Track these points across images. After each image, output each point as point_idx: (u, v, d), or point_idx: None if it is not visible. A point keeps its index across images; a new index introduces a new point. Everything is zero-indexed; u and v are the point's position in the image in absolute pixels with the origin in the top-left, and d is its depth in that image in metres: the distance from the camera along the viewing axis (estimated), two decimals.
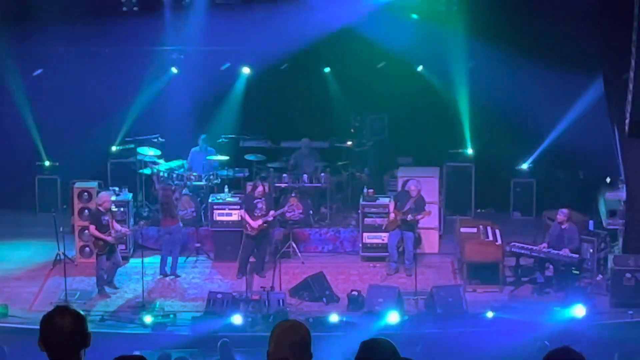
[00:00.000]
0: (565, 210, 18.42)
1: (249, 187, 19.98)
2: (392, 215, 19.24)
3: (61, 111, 22.08)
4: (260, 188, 19.22)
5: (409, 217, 19.00)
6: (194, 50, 22.39)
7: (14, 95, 21.86)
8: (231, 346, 14.88)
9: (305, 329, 5.15)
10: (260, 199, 19.15)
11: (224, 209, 20.06)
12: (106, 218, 18.45)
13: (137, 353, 5.40)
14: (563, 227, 18.30)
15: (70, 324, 4.83)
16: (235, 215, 19.86)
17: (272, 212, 19.13)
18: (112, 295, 18.52)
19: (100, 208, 18.52)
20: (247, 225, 19.14)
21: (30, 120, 22.13)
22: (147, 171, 21.36)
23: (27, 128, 22.19)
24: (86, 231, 19.13)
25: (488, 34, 21.02)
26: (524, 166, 21.98)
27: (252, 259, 19.24)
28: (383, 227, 19.61)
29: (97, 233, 18.34)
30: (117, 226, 18.75)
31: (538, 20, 20.89)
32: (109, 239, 18.33)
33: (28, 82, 21.87)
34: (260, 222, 19.02)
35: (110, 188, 20.50)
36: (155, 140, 21.59)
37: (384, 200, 20.05)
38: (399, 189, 19.88)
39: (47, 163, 22.48)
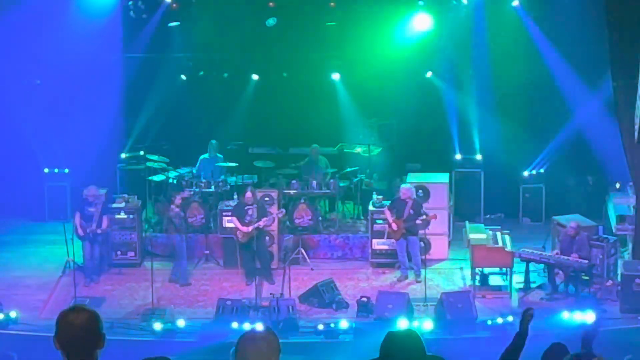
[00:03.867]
0: (574, 224, 18.39)
1: (243, 193, 19.95)
2: (394, 226, 19.21)
3: (70, 118, 22.16)
4: (249, 194, 19.18)
5: (419, 220, 18.96)
6: (203, 57, 22.47)
7: (24, 102, 21.94)
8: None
9: (274, 338, 5.00)
10: (250, 205, 19.11)
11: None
12: (91, 209, 18.95)
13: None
14: (574, 236, 18.29)
15: (85, 321, 4.85)
16: None
17: (263, 219, 19.07)
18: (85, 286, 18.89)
19: (88, 199, 19.07)
20: (237, 232, 19.13)
21: (41, 127, 22.20)
22: (156, 178, 21.41)
23: (36, 135, 22.28)
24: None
25: (496, 40, 21.07)
26: (534, 172, 21.98)
27: (258, 265, 19.23)
28: (385, 236, 19.61)
29: (77, 220, 19.06)
30: (104, 223, 19.10)
31: (548, 25, 20.88)
32: (80, 232, 18.89)
33: (36, 90, 21.93)
34: (249, 228, 18.97)
35: (119, 195, 20.56)
36: (164, 147, 21.63)
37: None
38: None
39: (55, 170, 22.53)
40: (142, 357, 5.27)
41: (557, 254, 18.31)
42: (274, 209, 19.75)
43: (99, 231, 19.01)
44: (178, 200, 19.39)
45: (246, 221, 19.04)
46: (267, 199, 20.06)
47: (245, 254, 19.29)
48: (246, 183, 21.11)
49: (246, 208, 19.12)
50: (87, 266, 19.13)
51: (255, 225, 18.97)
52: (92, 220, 18.94)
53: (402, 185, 19.63)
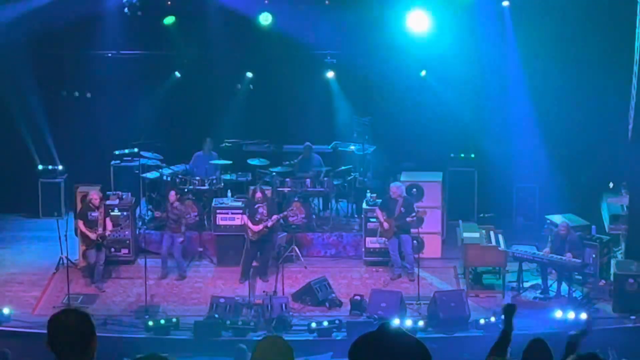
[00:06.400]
0: (564, 224, 18.43)
1: (251, 192, 20.03)
2: (385, 225, 19.23)
3: (65, 115, 22.17)
4: (258, 193, 19.22)
5: (408, 219, 18.97)
6: (198, 54, 22.44)
7: (18, 99, 21.92)
8: (247, 353, 14.74)
9: (289, 349, 5.19)
10: (261, 203, 19.16)
11: (227, 214, 20.07)
12: (94, 214, 18.80)
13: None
14: (565, 235, 18.33)
15: (75, 323, 4.84)
16: (238, 220, 19.85)
17: (274, 217, 19.13)
18: (101, 292, 18.78)
19: (89, 204, 18.83)
20: (248, 230, 19.17)
21: (34, 124, 22.20)
22: (150, 175, 21.39)
23: (30, 132, 22.27)
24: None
25: (490, 39, 21.09)
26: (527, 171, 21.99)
27: (255, 264, 19.26)
28: (377, 235, 19.62)
29: (82, 228, 18.73)
30: (110, 225, 18.95)
31: (541, 25, 20.89)
32: (91, 236, 18.64)
33: (33, 87, 21.93)
34: (260, 226, 19.02)
35: (113, 192, 20.53)
36: (158, 144, 21.61)
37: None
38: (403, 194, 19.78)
39: (49, 167, 22.52)
40: (135, 354, 5.28)
41: (548, 252, 18.33)
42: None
43: (107, 233, 18.95)
44: (172, 196, 19.42)
45: (256, 219, 19.08)
46: None
47: (251, 252, 19.27)
48: (240, 181, 21.15)
49: (256, 207, 19.15)
50: (91, 271, 18.98)
51: (265, 223, 19.01)
52: (97, 225, 18.80)
53: (392, 184, 19.65)
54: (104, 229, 18.78)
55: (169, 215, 19.33)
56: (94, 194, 19.02)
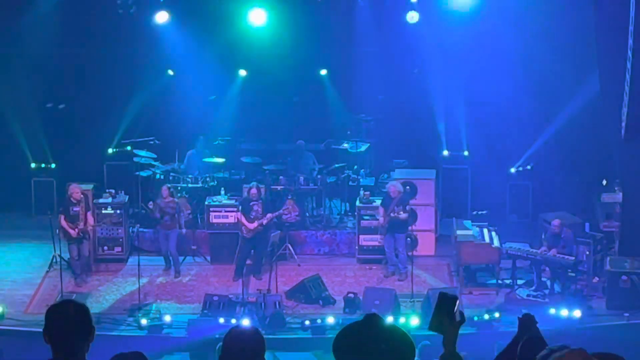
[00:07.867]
0: (557, 222, 18.44)
1: (245, 190, 20.02)
2: (381, 220, 19.27)
3: (57, 113, 22.14)
4: (254, 190, 19.24)
5: (393, 214, 18.97)
6: (190, 53, 22.41)
7: (12, 97, 21.90)
8: None
9: (260, 338, 5.16)
10: (256, 201, 19.17)
11: (221, 211, 20.06)
12: (76, 209, 18.75)
13: None
14: (559, 233, 18.34)
15: (74, 313, 4.88)
16: (231, 218, 19.86)
17: (268, 215, 19.13)
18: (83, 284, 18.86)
19: (71, 199, 18.77)
20: (242, 228, 19.16)
21: (28, 122, 22.17)
22: (143, 173, 21.36)
23: (24, 130, 22.25)
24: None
25: (487, 36, 21.11)
26: (521, 169, 22.00)
27: (248, 261, 19.26)
28: (378, 232, 19.64)
29: (63, 223, 18.69)
30: (91, 219, 18.92)
31: (535, 21, 20.90)
32: (71, 232, 18.63)
33: (24, 84, 21.90)
34: (255, 224, 19.03)
35: (107, 190, 20.51)
36: (152, 142, 21.59)
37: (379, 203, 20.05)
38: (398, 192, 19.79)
39: (42, 165, 22.49)
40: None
41: (543, 250, 18.35)
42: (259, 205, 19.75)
43: (89, 228, 18.94)
44: (165, 191, 19.42)
45: (252, 217, 19.08)
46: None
47: (244, 250, 19.27)
48: (234, 179, 21.15)
49: (251, 204, 19.15)
50: (76, 266, 19.00)
51: (260, 221, 19.01)
52: (79, 220, 18.82)
53: (389, 184, 19.61)
54: (85, 223, 18.77)
55: (165, 211, 19.28)
56: (75, 189, 18.98)
